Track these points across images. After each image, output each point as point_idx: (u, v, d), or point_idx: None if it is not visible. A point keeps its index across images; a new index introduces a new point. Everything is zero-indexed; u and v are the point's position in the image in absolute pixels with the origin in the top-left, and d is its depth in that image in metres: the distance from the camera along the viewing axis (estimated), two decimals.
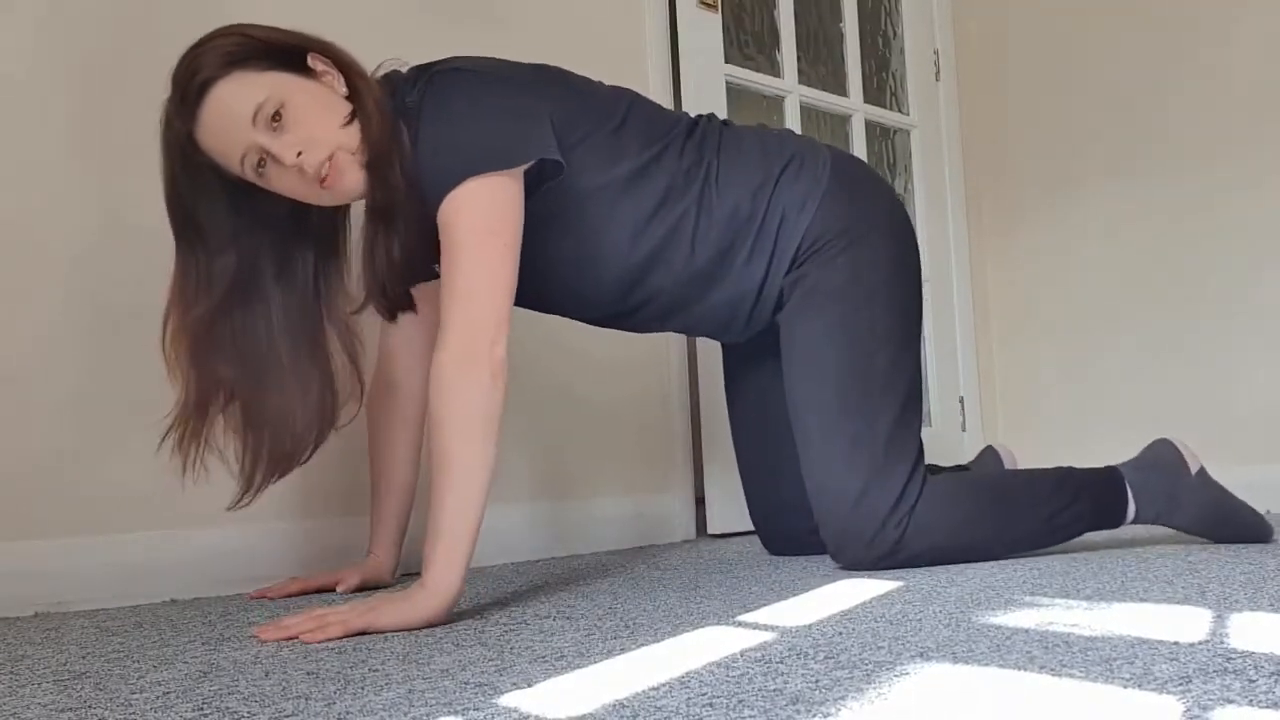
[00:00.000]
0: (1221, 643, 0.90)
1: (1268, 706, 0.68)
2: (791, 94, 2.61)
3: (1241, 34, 2.49)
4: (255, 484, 1.43)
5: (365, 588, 1.57)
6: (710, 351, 2.33)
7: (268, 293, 1.39)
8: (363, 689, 0.88)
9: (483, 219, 1.29)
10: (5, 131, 1.51)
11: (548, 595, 1.43)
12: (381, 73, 1.40)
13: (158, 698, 0.88)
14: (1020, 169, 2.92)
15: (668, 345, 2.30)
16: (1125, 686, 0.76)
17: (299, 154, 1.27)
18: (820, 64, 2.76)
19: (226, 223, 1.34)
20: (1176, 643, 0.90)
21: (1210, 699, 0.71)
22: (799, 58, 2.65)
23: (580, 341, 2.12)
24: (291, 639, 1.13)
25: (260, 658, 1.04)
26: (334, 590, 1.54)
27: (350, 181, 1.31)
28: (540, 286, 1.52)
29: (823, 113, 2.73)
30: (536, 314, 1.92)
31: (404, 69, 1.42)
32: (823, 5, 2.79)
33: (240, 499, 1.43)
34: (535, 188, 1.39)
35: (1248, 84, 2.47)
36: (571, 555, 2.02)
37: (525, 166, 1.34)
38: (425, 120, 1.33)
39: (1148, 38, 2.64)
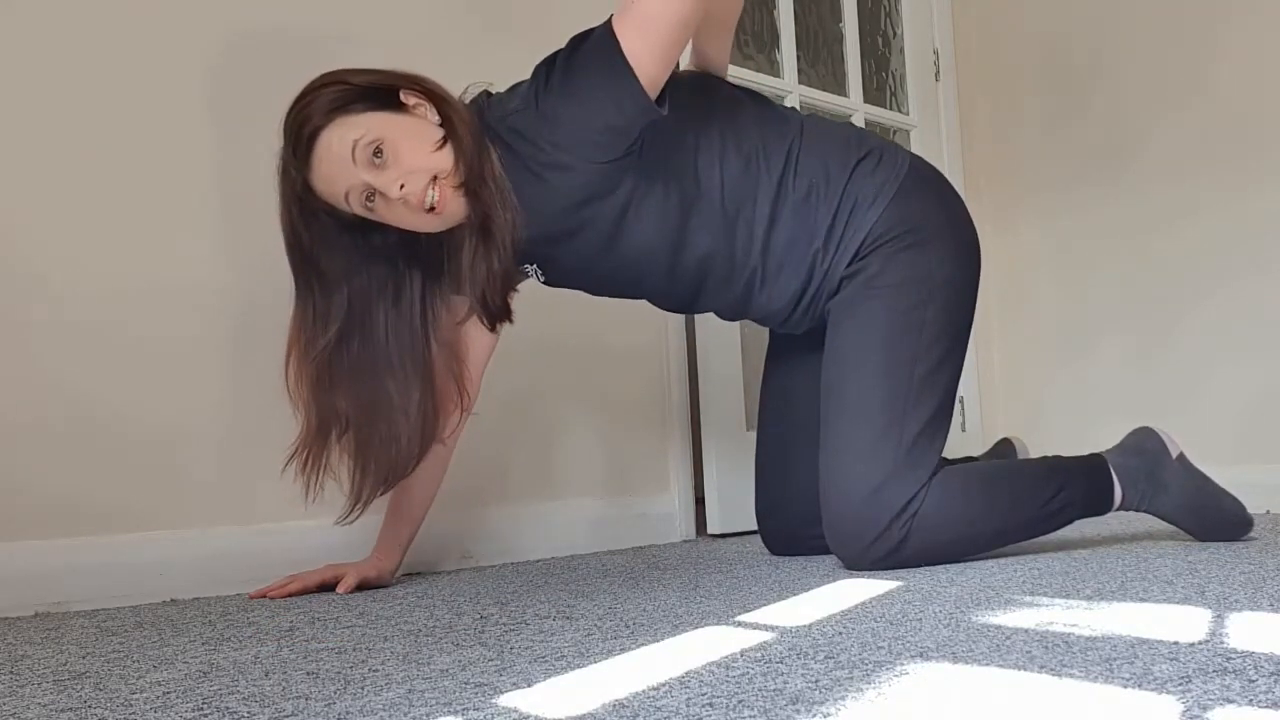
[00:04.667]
0: (1221, 643, 0.90)
1: (1268, 706, 0.68)
2: (791, 94, 2.61)
3: (1231, 45, 2.48)
4: (364, 499, 1.52)
5: (365, 588, 1.57)
6: (710, 350, 2.33)
7: (380, 320, 1.50)
8: (363, 689, 0.88)
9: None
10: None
11: (548, 595, 1.43)
12: (469, 96, 1.49)
13: (158, 698, 0.88)
14: (1019, 169, 2.92)
15: (667, 343, 2.30)
16: (1125, 686, 0.76)
17: (402, 186, 1.37)
18: (820, 64, 2.76)
19: (342, 261, 1.45)
20: (1176, 643, 0.90)
21: (1210, 699, 0.71)
22: (799, 57, 2.65)
23: (580, 341, 2.12)
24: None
25: (260, 658, 1.04)
26: (334, 590, 1.54)
27: (457, 205, 1.41)
28: (628, 272, 1.56)
29: (823, 112, 2.73)
30: (535, 313, 1.92)
31: (491, 90, 1.50)
32: (823, 5, 2.79)
33: (349, 514, 1.52)
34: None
35: (1238, 94, 2.47)
36: (572, 555, 2.02)
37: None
38: (541, 87, 1.40)
39: (1146, 40, 2.64)
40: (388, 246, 1.49)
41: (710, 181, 1.51)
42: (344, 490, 1.52)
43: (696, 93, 1.56)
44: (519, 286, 1.62)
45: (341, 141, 1.36)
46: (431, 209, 1.39)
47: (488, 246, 1.42)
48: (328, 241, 1.44)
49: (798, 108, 2.61)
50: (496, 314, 1.50)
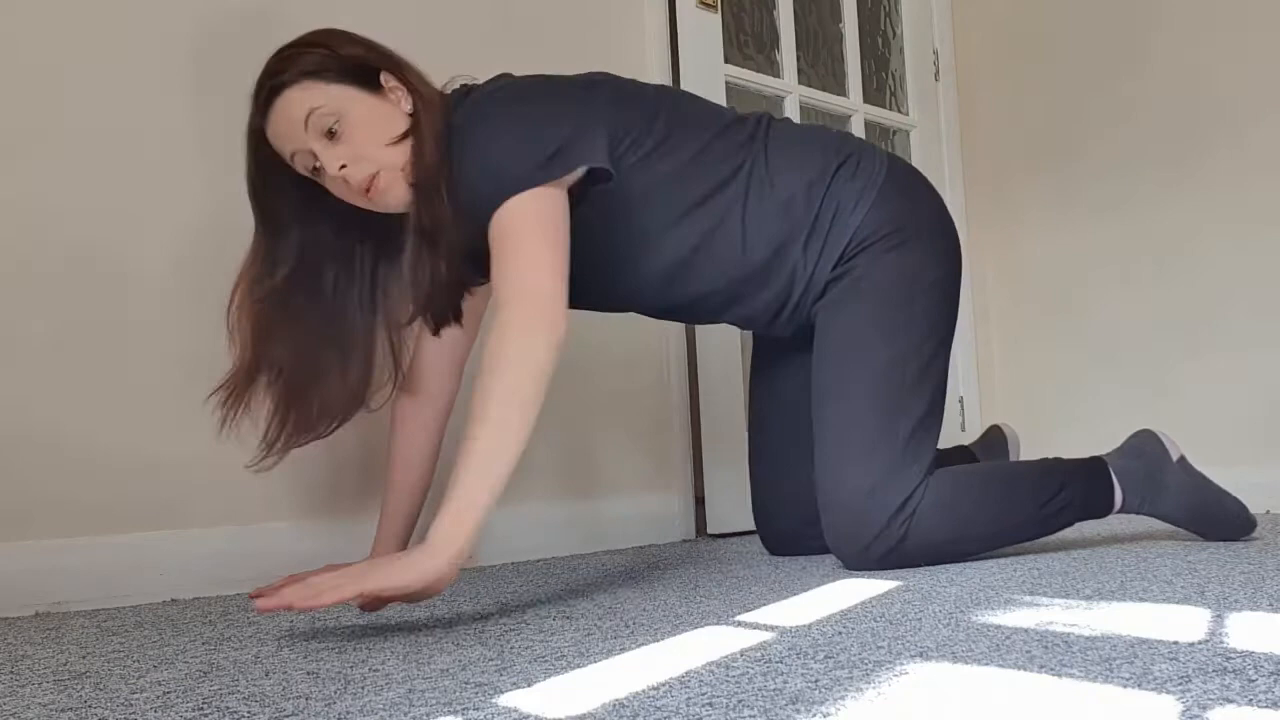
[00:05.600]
0: (1221, 642, 0.90)
1: (1267, 706, 0.68)
2: (791, 94, 2.61)
3: (1232, 45, 2.49)
4: (276, 448, 1.47)
5: None
6: (710, 351, 2.33)
7: (327, 279, 1.47)
8: (363, 689, 0.88)
9: (534, 217, 1.31)
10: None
11: (548, 595, 1.43)
12: (450, 89, 1.46)
13: (158, 698, 0.88)
14: (1019, 169, 2.92)
15: (667, 344, 2.30)
16: (1125, 686, 0.76)
17: (342, 167, 1.34)
18: (820, 64, 2.76)
19: (291, 211, 1.43)
20: (1176, 642, 0.90)
21: (1209, 699, 0.71)
22: (798, 57, 2.65)
23: (580, 341, 2.12)
24: (286, 608, 1.10)
25: (261, 657, 1.04)
26: None
27: (394, 198, 1.38)
28: (596, 286, 1.54)
29: (822, 113, 2.73)
30: None
31: (472, 84, 1.46)
32: (822, 5, 2.79)
33: (261, 460, 1.47)
34: (584, 192, 1.40)
35: (1237, 92, 2.47)
36: (572, 555, 2.02)
37: (574, 176, 1.36)
38: (471, 140, 1.36)
39: (1146, 40, 2.64)
40: (340, 211, 1.45)
41: (665, 206, 1.49)
42: (256, 433, 1.48)
43: (650, 118, 1.49)
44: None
45: (300, 105, 1.34)
46: (367, 191, 1.36)
47: (434, 253, 1.39)
48: (280, 189, 1.41)
49: (798, 108, 2.62)
50: (440, 318, 1.47)
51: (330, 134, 1.35)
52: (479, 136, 1.36)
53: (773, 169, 1.55)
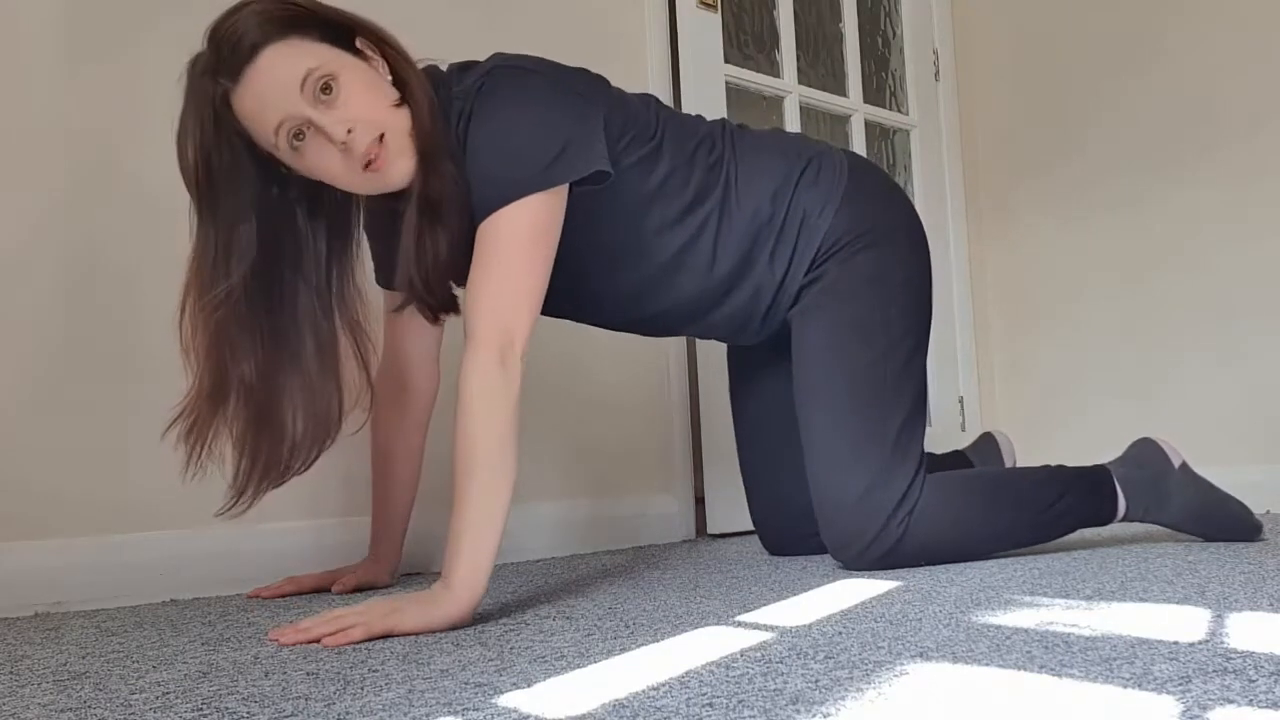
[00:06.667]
0: (1221, 642, 0.90)
1: (1267, 706, 0.68)
2: (791, 94, 2.61)
3: (1233, 47, 2.49)
4: (250, 493, 1.35)
5: (362, 589, 1.56)
6: (710, 352, 2.33)
7: (285, 281, 1.32)
8: (363, 689, 0.88)
9: (526, 231, 1.27)
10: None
11: (548, 595, 1.43)
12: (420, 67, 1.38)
13: (158, 698, 0.88)
14: (1019, 169, 2.92)
15: (668, 346, 2.30)
16: (1125, 686, 0.76)
17: (349, 131, 1.22)
18: (820, 64, 2.76)
19: (249, 196, 1.27)
20: (1176, 642, 0.90)
21: (1210, 699, 0.71)
22: (798, 58, 2.65)
23: (580, 342, 2.12)
24: (312, 642, 1.10)
25: (260, 658, 1.04)
26: (329, 591, 1.54)
27: (398, 170, 1.27)
28: (566, 292, 1.50)
29: (822, 113, 2.73)
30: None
31: (442, 66, 1.40)
32: (822, 5, 2.79)
33: (231, 507, 1.34)
34: (576, 192, 1.36)
35: (1239, 95, 2.47)
36: (571, 555, 2.02)
37: (576, 177, 1.32)
38: (479, 120, 1.31)
39: (1148, 40, 2.64)
40: (295, 200, 1.33)
41: (648, 217, 1.48)
42: (224, 475, 1.34)
43: (640, 125, 1.47)
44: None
45: (291, 66, 1.20)
46: (368, 165, 1.25)
47: (436, 227, 1.29)
48: (238, 168, 1.25)
49: (798, 108, 2.62)
50: (439, 304, 1.38)
51: (324, 97, 1.22)
52: (496, 119, 1.30)
53: (742, 180, 1.53)
